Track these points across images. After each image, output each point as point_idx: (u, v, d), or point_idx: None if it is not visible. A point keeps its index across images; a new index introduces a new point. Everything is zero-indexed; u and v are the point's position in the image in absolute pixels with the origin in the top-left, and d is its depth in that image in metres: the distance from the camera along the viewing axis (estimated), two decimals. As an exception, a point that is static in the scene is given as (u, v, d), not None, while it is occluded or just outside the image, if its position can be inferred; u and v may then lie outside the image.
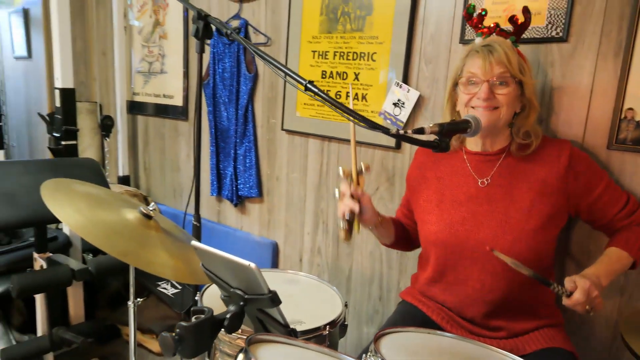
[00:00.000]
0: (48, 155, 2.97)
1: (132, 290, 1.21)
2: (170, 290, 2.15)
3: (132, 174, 2.81)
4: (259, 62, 2.07)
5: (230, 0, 2.14)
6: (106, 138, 2.67)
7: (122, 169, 2.72)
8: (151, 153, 2.71)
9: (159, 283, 2.17)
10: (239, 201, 2.21)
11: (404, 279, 1.70)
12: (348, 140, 1.76)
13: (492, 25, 1.19)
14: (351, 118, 0.94)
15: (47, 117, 2.41)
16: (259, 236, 2.18)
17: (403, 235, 1.36)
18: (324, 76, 1.83)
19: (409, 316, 1.26)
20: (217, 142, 2.25)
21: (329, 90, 1.82)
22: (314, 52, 1.86)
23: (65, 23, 1.93)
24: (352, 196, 1.10)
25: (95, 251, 2.30)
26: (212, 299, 1.30)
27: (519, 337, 1.17)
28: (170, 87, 2.51)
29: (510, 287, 1.12)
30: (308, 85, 0.98)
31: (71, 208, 0.98)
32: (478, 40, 1.16)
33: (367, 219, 1.15)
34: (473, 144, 1.21)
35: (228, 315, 0.80)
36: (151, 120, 2.67)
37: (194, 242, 0.85)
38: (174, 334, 0.73)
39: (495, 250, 0.98)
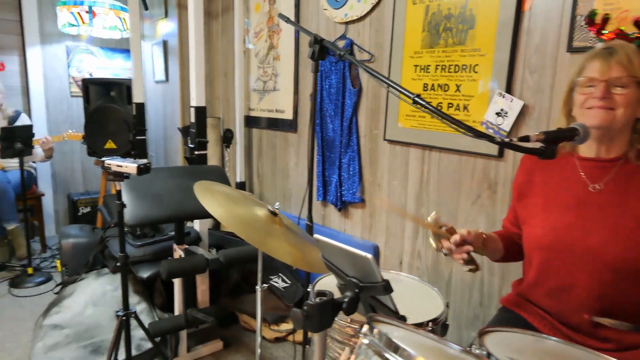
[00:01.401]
0: (180, 163, 3.38)
1: (260, 275, 1.37)
2: (281, 285, 2.33)
3: (247, 180, 3.09)
4: (363, 77, 2.19)
5: (337, 23, 2.29)
6: (227, 148, 2.98)
7: (239, 176, 3.00)
8: (264, 162, 2.96)
9: (271, 277, 2.36)
10: (343, 206, 2.34)
11: (506, 286, 1.68)
12: (449, 149, 1.79)
13: (615, 30, 1.13)
14: (459, 129, 1.00)
15: (183, 131, 2.77)
16: (361, 239, 2.28)
17: (512, 247, 1.33)
18: (425, 89, 1.89)
19: (510, 322, 1.25)
20: (323, 152, 2.40)
21: (431, 102, 1.87)
22: (415, 66, 1.93)
23: (200, 51, 2.22)
24: (458, 245, 1.14)
25: (218, 246, 2.57)
26: (325, 288, 1.42)
27: (628, 351, 1.11)
28: (281, 103, 2.73)
29: (620, 297, 1.07)
30: (416, 98, 1.06)
31: (215, 204, 1.16)
32: (599, 45, 1.13)
33: (478, 246, 1.18)
34: (586, 149, 1.16)
35: (346, 299, 0.91)
36: (264, 132, 2.92)
37: (317, 236, 0.97)
38: (303, 311, 0.85)
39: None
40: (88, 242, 2.46)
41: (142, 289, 2.27)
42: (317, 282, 1.52)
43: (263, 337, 2.29)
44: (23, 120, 3.32)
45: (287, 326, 2.28)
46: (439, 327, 1.28)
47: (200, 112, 2.26)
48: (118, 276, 2.38)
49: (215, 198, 1.19)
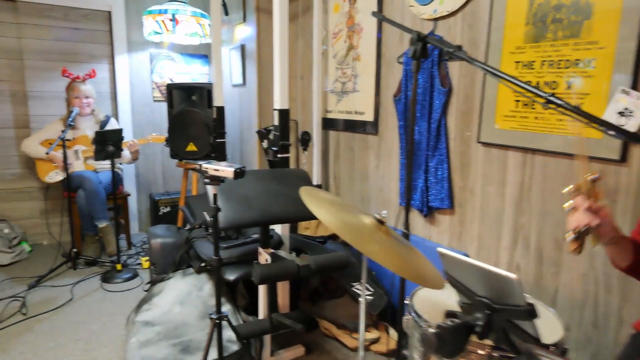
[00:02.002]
0: (256, 165, 3.42)
1: (363, 287, 1.31)
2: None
3: (323, 183, 3.06)
4: (454, 76, 2.06)
5: (425, 20, 2.18)
6: (304, 151, 2.96)
7: (316, 178, 2.97)
8: (341, 164, 2.91)
9: (354, 284, 2.30)
10: (429, 212, 2.22)
11: (628, 307, 1.49)
12: (555, 153, 1.64)
13: None
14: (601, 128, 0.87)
15: (265, 132, 2.78)
16: (448, 247, 2.15)
17: None
18: (529, 87, 1.74)
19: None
20: (407, 155, 2.30)
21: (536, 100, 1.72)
22: (517, 62, 1.78)
23: (284, 54, 2.21)
24: (588, 209, 1.02)
25: (297, 250, 2.55)
26: (423, 302, 1.33)
27: None
28: (361, 104, 2.66)
29: None
30: (550, 98, 0.95)
31: (324, 210, 1.12)
32: None
33: (605, 233, 1.04)
34: None
35: (480, 322, 0.82)
36: (342, 134, 2.87)
37: (442, 250, 0.89)
38: (434, 333, 0.78)
39: None
40: (175, 243, 2.54)
41: (226, 290, 2.30)
42: (414, 294, 1.44)
43: (345, 345, 2.23)
44: (112, 124, 3.52)
45: (369, 335, 2.21)
46: (558, 352, 1.16)
47: (284, 114, 2.24)
48: (203, 276, 2.43)
49: (322, 204, 1.15)
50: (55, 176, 3.33)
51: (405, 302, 1.41)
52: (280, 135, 2.25)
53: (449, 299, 1.33)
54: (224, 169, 1.51)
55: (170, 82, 4.00)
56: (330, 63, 2.91)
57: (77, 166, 3.37)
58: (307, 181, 2.09)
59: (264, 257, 1.98)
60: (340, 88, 2.84)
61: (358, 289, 2.29)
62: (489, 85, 1.89)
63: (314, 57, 2.88)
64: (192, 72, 4.09)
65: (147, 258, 3.28)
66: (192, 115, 3.18)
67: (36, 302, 2.71)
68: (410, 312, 1.33)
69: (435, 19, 2.13)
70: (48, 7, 3.52)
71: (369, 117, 2.62)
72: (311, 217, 1.98)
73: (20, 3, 3.43)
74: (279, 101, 2.24)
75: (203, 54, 4.13)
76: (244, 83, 3.48)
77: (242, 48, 3.45)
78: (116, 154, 2.96)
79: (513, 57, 1.79)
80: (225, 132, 3.10)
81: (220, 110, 3.06)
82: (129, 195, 3.69)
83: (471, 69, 1.97)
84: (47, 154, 2.96)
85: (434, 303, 1.34)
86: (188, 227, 2.58)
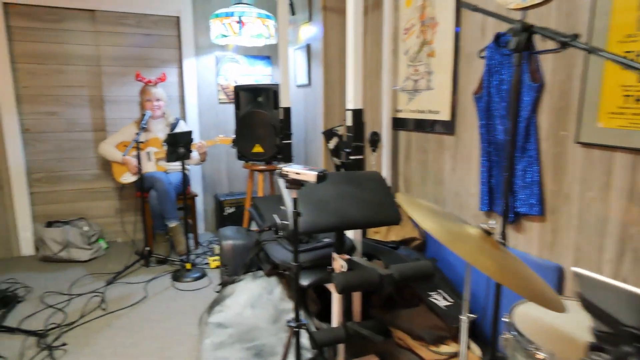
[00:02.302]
0: (322, 166, 3.36)
1: (466, 298, 1.21)
2: (441, 302, 2.13)
3: (393, 185, 2.94)
4: (547, 70, 1.89)
5: (511, 9, 2.02)
6: (373, 152, 2.86)
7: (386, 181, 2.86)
8: (412, 166, 2.78)
9: (430, 294, 2.18)
10: (515, 218, 2.06)
11: None
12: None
13: None
14: None
15: (331, 133, 2.72)
16: (538, 257, 1.98)
17: None
18: (643, 80, 1.54)
19: None
20: (489, 157, 2.14)
21: (652, 96, 1.52)
22: (628, 52, 1.58)
23: (358, 52, 2.13)
24: None
25: (368, 255, 2.46)
26: (525, 321, 1.20)
27: None
28: (436, 103, 2.53)
29: None
30: None
31: (426, 219, 1.03)
32: None
33: None
34: None
35: (631, 358, 0.69)
36: (413, 135, 2.74)
37: (575, 269, 0.77)
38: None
39: None
40: (245, 245, 2.53)
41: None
42: (514, 310, 1.30)
43: (421, 358, 2.11)
44: (182, 126, 3.61)
45: (448, 348, 2.08)
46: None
47: (357, 115, 2.16)
48: (273, 279, 2.40)
49: (423, 212, 1.06)
50: (129, 177, 3.46)
51: (503, 319, 1.28)
52: (354, 136, 2.17)
53: (556, 318, 1.19)
54: (307, 173, 1.46)
55: (236, 84, 4.04)
56: (401, 60, 2.79)
57: (149, 167, 3.48)
58: (382, 184, 2.00)
59: (339, 263, 1.91)
60: (412, 86, 2.71)
61: (436, 299, 2.16)
62: (590, 80, 1.70)
63: (383, 54, 2.78)
64: (256, 74, 4.12)
65: (214, 258, 3.33)
66: (259, 117, 3.19)
67: (114, 298, 2.82)
68: (510, 331, 1.20)
69: (525, 8, 1.95)
70: (122, 15, 3.66)
71: (444, 116, 2.47)
72: (388, 222, 1.88)
73: (98, 12, 3.59)
74: (352, 101, 2.17)
75: (266, 55, 4.13)
76: (309, 83, 3.44)
77: (308, 48, 3.41)
78: (186, 155, 3.01)
79: (622, 46, 1.60)
80: (291, 133, 3.08)
81: (287, 111, 3.03)
82: (196, 195, 3.76)
83: (568, 61, 1.79)
84: (123, 156, 3.06)
85: (538, 322, 1.20)
86: (256, 228, 2.57)
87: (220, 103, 4.07)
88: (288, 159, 3.09)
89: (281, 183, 1.93)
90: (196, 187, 3.99)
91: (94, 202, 3.83)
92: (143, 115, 3.35)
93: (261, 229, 2.58)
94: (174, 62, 3.89)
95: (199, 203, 4.05)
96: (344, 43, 3.12)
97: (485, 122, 2.15)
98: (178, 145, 2.97)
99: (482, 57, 2.19)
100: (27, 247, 3.58)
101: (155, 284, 3.02)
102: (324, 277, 2.06)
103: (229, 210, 3.94)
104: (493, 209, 2.16)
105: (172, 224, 3.37)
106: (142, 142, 3.29)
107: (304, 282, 2.08)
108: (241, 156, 3.30)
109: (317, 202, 1.86)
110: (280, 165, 1.53)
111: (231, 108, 4.09)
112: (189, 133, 3.04)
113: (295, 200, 1.56)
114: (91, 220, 3.73)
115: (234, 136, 3.37)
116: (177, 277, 3.09)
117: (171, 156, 3.00)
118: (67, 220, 3.60)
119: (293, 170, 1.50)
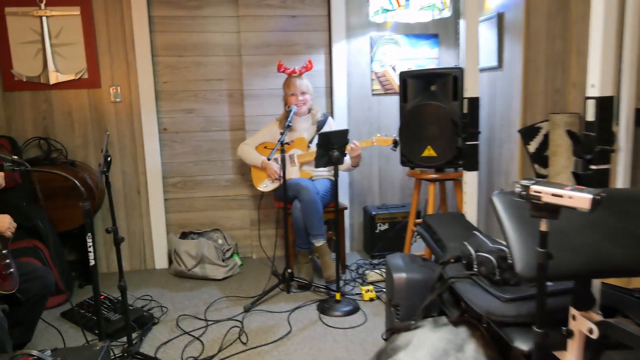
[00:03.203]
0: (514, 177, 2.92)
1: None
2: None
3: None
4: None
5: None
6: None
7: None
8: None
9: None
10: None
11: None
12: None
13: None
14: None
15: (532, 131, 2.28)
16: None
17: None
18: None
19: None
20: None
21: None
22: None
23: (611, 11, 1.68)
24: None
25: (609, 310, 1.98)
26: None
27: None
28: None
29: None
30: None
31: None
32: None
33: None
34: None
35: None
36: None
37: None
38: None
39: None
40: (424, 280, 2.24)
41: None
42: None
43: None
44: (330, 124, 3.50)
45: None
46: None
47: (606, 105, 1.72)
48: (461, 330, 2.07)
49: None
50: (270, 184, 3.44)
51: None
52: (598, 136, 1.73)
53: None
54: (574, 196, 1.09)
55: (393, 70, 3.82)
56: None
57: (293, 173, 3.42)
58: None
59: (585, 325, 1.50)
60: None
61: None
62: None
63: (626, 11, 2.25)
64: (418, 57, 3.86)
65: (367, 288, 3.12)
66: (433, 111, 2.92)
67: (254, 328, 2.76)
68: None
69: None
70: (266, -6, 3.69)
71: None
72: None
73: (241, -7, 3.66)
74: (599, 84, 1.73)
75: (432, 33, 3.85)
76: (499, 66, 3.05)
77: (499, 19, 3.02)
78: (340, 159, 2.86)
79: None
80: (479, 132, 2.72)
81: (474, 103, 2.70)
82: (346, 208, 3.61)
83: None
84: (268, 159, 3.01)
85: None
86: (422, 253, 2.27)
87: (374, 95, 3.89)
88: (472, 165, 2.74)
89: (501, 205, 1.59)
90: (342, 197, 3.84)
91: (228, 212, 3.92)
92: (287, 111, 3.29)
93: (443, 260, 2.27)
94: (322, 47, 3.82)
95: (346, 217, 3.89)
96: (555, 8, 2.65)
97: None
98: (331, 147, 2.82)
99: None
100: (160, 259, 3.78)
101: (299, 315, 2.91)
102: (553, 341, 1.66)
103: (382, 227, 3.75)
104: None
105: (319, 242, 3.25)
106: (287, 144, 3.22)
107: (523, 345, 1.70)
108: (407, 161, 3.05)
109: (556, 234, 1.47)
110: (526, 183, 1.19)
111: (387, 101, 3.89)
112: (345, 133, 2.89)
113: (544, 236, 1.20)
114: (225, 232, 3.80)
115: (395, 136, 3.15)
116: (324, 308, 2.94)
117: (321, 160, 2.88)
118: (201, 232, 3.72)
119: (548, 190, 1.14)
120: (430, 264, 2.42)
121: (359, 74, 3.85)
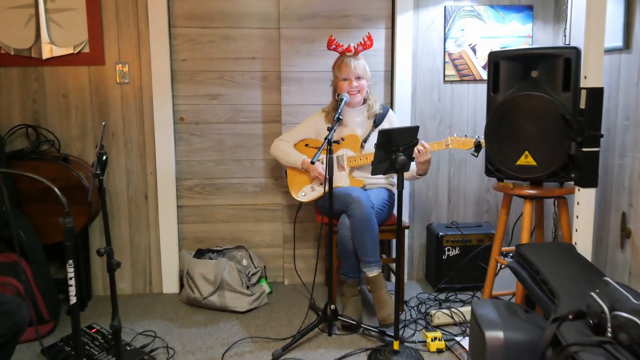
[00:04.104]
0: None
1: None
2: None
3: None
4: None
5: None
6: None
7: None
8: None
9: None
10: None
11: None
12: None
13: None
14: None
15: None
16: None
17: None
18: None
19: None
20: None
21: None
22: None
23: None
24: None
25: None
26: None
27: None
28: None
29: None
30: None
31: None
32: None
33: None
34: None
35: None
36: None
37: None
38: None
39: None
40: (529, 343, 1.88)
41: None
42: None
43: None
44: (391, 119, 3.31)
45: None
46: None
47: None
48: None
49: None
50: (311, 192, 3.25)
51: None
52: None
53: None
54: None
55: (473, 50, 3.56)
56: None
57: (341, 180, 3.20)
58: None
59: None
60: None
61: None
62: None
63: None
64: (505, 35, 3.59)
65: (434, 334, 2.81)
66: (534, 104, 2.65)
67: (285, 386, 2.49)
68: None
69: None
70: (314, -49, 3.48)
71: None
72: None
73: (282, -51, 3.44)
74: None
75: (526, 4, 3.55)
76: (626, 46, 2.68)
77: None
78: (407, 166, 2.59)
79: None
80: (601, 135, 2.34)
81: (596, 95, 2.33)
82: (407, 227, 3.33)
83: None
84: (312, 162, 2.75)
85: None
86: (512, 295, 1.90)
87: (447, 82, 3.63)
88: (590, 180, 2.37)
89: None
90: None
91: (256, 225, 3.72)
92: (337, 101, 3.10)
93: (557, 316, 1.90)
94: (382, 20, 3.57)
95: (405, 237, 3.62)
96: None
97: None
98: (395, 148, 2.55)
99: None
100: (170, 282, 3.60)
101: (346, 369, 2.65)
102: None
103: (451, 252, 3.48)
104: None
105: (373, 271, 2.97)
106: (335, 142, 2.94)
107: None
108: (495, 170, 2.75)
109: None
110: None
111: (462, 90, 3.64)
112: (414, 131, 2.63)
113: None
114: (252, 250, 3.60)
115: (479, 137, 2.85)
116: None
117: (380, 165, 2.62)
118: (221, 249, 3.51)
119: None
120: (537, 319, 2.06)
121: (429, 55, 3.59)
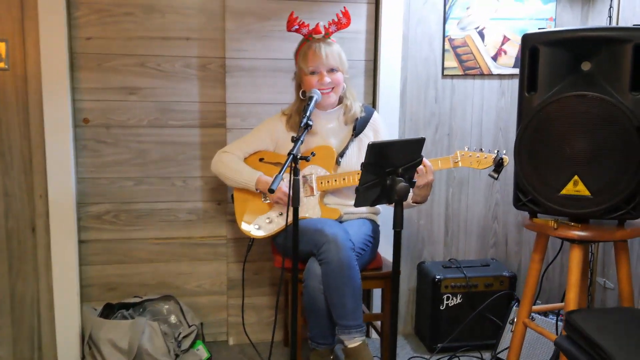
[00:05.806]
0: None
1: None
2: None
3: None
4: None
5: None
6: None
7: None
8: None
9: None
10: None
11: None
12: None
13: None
14: None
15: None
16: None
17: None
18: None
19: None
20: None
21: None
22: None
23: None
24: None
25: None
26: None
27: None
28: None
29: None
30: None
31: None
32: None
33: None
34: None
35: None
36: None
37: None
38: None
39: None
40: None
41: None
42: None
43: None
44: (376, 126, 3.01)
45: None
46: None
47: None
48: None
49: None
50: (267, 225, 2.83)
51: None
52: None
53: None
54: None
55: (480, 34, 3.27)
56: None
57: (308, 208, 2.82)
58: None
59: None
60: None
61: None
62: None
63: None
64: (522, 17, 3.37)
65: None
66: (588, 109, 2.23)
67: None
68: None
69: None
70: None
71: None
72: None
73: None
74: None
75: None
76: None
77: None
78: (407, 192, 2.16)
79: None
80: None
81: None
82: (398, 273, 2.82)
83: None
84: (271, 191, 2.21)
85: None
86: None
87: (446, 76, 3.35)
88: None
89: None
90: (385, 247, 3.24)
91: (191, 266, 3.33)
92: (304, 100, 2.71)
93: None
94: None
95: None
96: None
97: None
98: (390, 170, 2.14)
99: None
100: (68, 348, 3.09)
101: None
102: None
103: (451, 300, 3.20)
104: None
105: (354, 340, 2.54)
106: (303, 158, 2.52)
107: None
108: (528, 201, 2.35)
109: None
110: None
111: (467, 87, 3.41)
112: (418, 144, 2.21)
113: None
114: (184, 300, 3.20)
115: (501, 151, 2.53)
116: None
117: (369, 194, 2.17)
118: (141, 301, 3.10)
119: None
120: None
121: (424, 41, 3.34)
